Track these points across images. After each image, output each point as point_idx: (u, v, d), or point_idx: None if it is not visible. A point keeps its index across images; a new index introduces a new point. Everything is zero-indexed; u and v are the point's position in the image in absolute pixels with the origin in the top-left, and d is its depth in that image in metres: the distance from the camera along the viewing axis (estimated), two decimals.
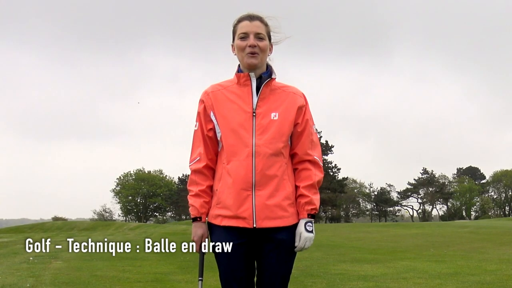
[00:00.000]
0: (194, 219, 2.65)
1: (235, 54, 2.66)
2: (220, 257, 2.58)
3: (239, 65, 2.67)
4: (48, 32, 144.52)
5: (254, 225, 2.52)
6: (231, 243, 2.54)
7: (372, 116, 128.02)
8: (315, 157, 2.66)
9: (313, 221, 2.60)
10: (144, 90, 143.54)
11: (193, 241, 2.67)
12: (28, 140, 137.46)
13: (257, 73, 2.62)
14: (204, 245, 2.65)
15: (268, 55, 2.68)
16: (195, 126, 2.69)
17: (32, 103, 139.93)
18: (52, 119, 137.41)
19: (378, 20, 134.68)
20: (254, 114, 2.57)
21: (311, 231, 2.57)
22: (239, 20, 2.65)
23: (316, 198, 2.62)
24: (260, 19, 2.64)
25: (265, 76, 2.63)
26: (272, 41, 2.70)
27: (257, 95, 2.60)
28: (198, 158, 2.66)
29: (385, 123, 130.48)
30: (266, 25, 2.66)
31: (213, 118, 2.63)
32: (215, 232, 2.61)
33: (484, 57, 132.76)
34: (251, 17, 2.63)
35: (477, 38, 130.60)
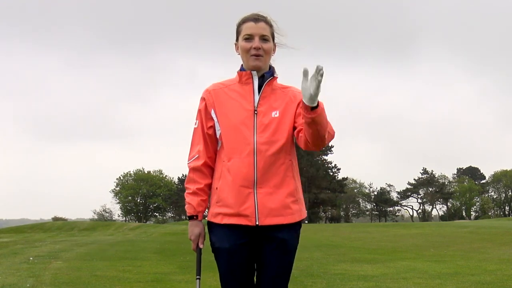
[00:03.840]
0: (191, 217, 2.64)
1: (239, 54, 2.65)
2: (220, 257, 2.56)
3: (242, 64, 2.66)
4: (66, 34, 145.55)
5: (257, 223, 2.49)
6: (232, 243, 2.52)
7: (381, 117, 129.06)
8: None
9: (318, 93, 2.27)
10: (153, 91, 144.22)
11: (190, 240, 2.66)
12: (28, 141, 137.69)
13: (260, 73, 2.62)
14: (202, 243, 2.65)
15: (272, 55, 2.67)
16: (195, 124, 2.67)
17: (38, 105, 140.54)
18: (55, 120, 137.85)
19: (402, 25, 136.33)
20: (255, 112, 2.57)
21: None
22: (244, 21, 2.63)
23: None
24: (265, 20, 2.63)
25: (267, 75, 2.62)
26: (276, 41, 2.68)
27: (258, 94, 2.60)
28: (196, 156, 2.64)
29: (393, 124, 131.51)
30: (270, 26, 2.64)
31: (213, 115, 2.62)
32: (215, 231, 2.59)
33: (498, 60, 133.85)
34: (256, 19, 2.61)
35: (494, 42, 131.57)
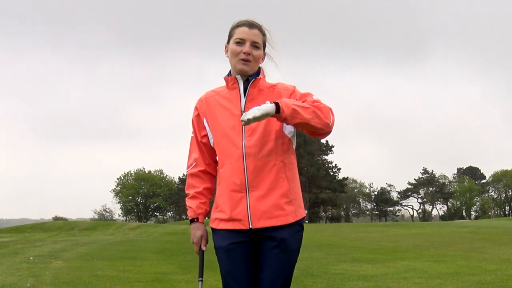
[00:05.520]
0: (192, 220, 2.69)
1: (227, 56, 2.66)
2: (220, 255, 2.58)
3: (230, 70, 2.67)
4: (74, 34, 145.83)
5: (250, 226, 2.50)
6: (230, 242, 2.54)
7: (383, 117, 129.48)
8: (316, 98, 2.55)
9: (269, 108, 2.36)
10: (155, 91, 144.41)
11: (193, 243, 2.69)
12: (29, 141, 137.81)
13: (245, 77, 2.62)
14: (205, 245, 2.67)
15: (260, 63, 2.67)
16: (192, 132, 2.73)
17: (41, 104, 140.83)
18: (56, 120, 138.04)
19: (411, 27, 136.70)
20: None
21: (261, 110, 2.34)
22: (238, 25, 2.63)
23: (299, 105, 2.40)
24: (259, 27, 2.63)
25: (251, 78, 2.62)
26: (265, 50, 2.69)
27: (245, 97, 2.60)
28: (194, 164, 2.70)
29: (394, 125, 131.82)
30: (264, 34, 2.65)
31: (206, 124, 2.66)
32: (215, 234, 2.63)
33: (502, 62, 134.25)
34: (250, 25, 2.61)
35: (500, 44, 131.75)
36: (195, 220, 2.67)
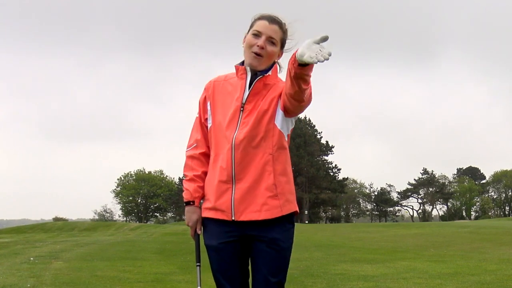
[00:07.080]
0: (187, 203, 2.64)
1: (243, 46, 2.63)
2: (209, 254, 2.58)
3: (243, 60, 2.65)
4: (79, 35, 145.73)
5: (233, 218, 2.49)
6: (219, 241, 2.53)
7: (383, 118, 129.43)
8: None
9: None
10: (161, 93, 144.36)
11: (188, 226, 2.67)
12: (30, 141, 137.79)
13: (254, 70, 2.60)
14: (200, 229, 2.64)
15: (276, 61, 2.65)
16: (197, 113, 2.71)
17: (42, 105, 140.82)
18: (57, 121, 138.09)
19: (417, 29, 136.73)
20: (242, 108, 2.56)
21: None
22: (260, 18, 2.61)
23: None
24: (279, 24, 2.60)
25: (260, 73, 2.59)
26: (284, 48, 2.66)
27: (249, 90, 2.58)
28: (195, 145, 2.68)
29: (394, 125, 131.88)
30: (284, 32, 2.62)
31: (209, 108, 2.65)
32: (206, 227, 2.61)
33: (507, 63, 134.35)
34: (271, 20, 2.59)
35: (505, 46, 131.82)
36: (191, 203, 2.63)
